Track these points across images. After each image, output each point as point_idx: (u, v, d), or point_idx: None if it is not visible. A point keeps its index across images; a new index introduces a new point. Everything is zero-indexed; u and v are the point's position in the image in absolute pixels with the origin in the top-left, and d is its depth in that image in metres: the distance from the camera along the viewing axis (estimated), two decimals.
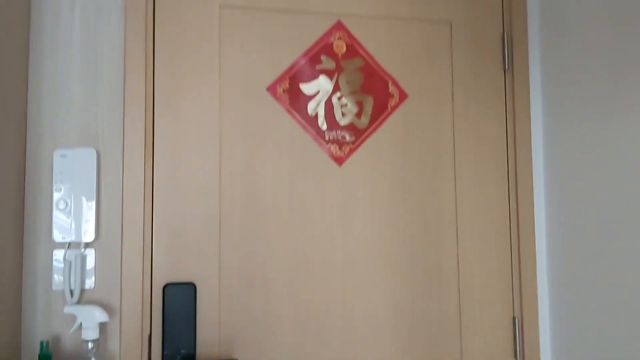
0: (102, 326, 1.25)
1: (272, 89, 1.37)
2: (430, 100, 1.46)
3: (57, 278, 1.24)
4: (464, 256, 1.45)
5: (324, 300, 1.36)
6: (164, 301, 1.24)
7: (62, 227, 1.23)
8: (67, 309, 1.19)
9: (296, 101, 1.38)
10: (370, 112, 1.43)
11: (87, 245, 1.26)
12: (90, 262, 1.26)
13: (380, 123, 1.43)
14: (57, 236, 1.23)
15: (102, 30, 1.31)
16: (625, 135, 1.22)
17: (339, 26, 1.42)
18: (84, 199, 1.25)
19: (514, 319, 1.47)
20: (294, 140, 1.38)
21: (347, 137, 1.41)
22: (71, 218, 1.24)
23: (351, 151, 1.41)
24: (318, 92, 1.40)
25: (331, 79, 1.41)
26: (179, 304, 1.25)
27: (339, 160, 1.40)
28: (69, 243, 1.25)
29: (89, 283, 1.25)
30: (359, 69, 1.43)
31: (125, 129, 1.27)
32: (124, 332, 1.23)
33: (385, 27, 1.45)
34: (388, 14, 1.45)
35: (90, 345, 1.19)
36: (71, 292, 1.23)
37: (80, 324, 1.18)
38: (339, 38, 1.42)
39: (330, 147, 1.40)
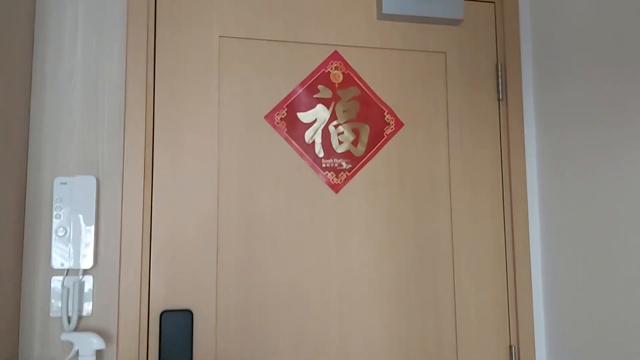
0: (99, 353, 1.25)
1: (270, 117, 1.40)
2: (426, 129, 1.49)
3: (55, 305, 1.24)
4: (460, 283, 1.46)
5: (320, 326, 1.37)
6: (161, 328, 1.25)
7: (61, 253, 1.24)
8: (64, 336, 1.19)
9: (294, 129, 1.41)
10: (366, 140, 1.45)
11: (85, 272, 1.27)
12: (88, 289, 1.27)
13: (377, 151, 1.45)
14: (56, 263, 1.24)
15: (103, 61, 1.34)
16: (621, 166, 1.24)
17: (335, 56, 1.45)
18: (83, 226, 1.26)
19: (510, 347, 1.47)
20: (291, 168, 1.40)
21: (344, 165, 1.43)
22: (70, 245, 1.25)
23: (348, 178, 1.43)
24: (315, 121, 1.42)
25: (328, 107, 1.43)
26: (175, 331, 1.25)
27: (336, 188, 1.42)
28: (68, 270, 1.26)
29: (87, 310, 1.26)
30: (355, 98, 1.45)
31: (125, 157, 1.29)
32: (121, 359, 1.23)
33: (381, 57, 1.48)
34: (383, 45, 1.48)
35: None
36: (69, 318, 1.24)
37: (77, 351, 1.19)
38: (336, 68, 1.45)
39: (327, 175, 1.42)
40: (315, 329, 1.36)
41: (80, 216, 1.26)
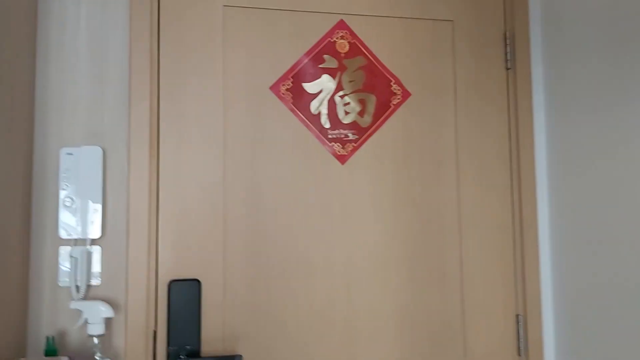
0: (108, 322, 1.26)
1: (275, 88, 1.39)
2: (433, 99, 1.47)
3: (63, 274, 1.25)
4: (467, 254, 1.45)
5: (326, 299, 1.37)
6: (169, 297, 1.25)
7: (68, 224, 1.25)
8: (73, 305, 1.20)
9: (299, 100, 1.40)
10: (373, 111, 1.44)
11: (93, 242, 1.28)
12: (96, 259, 1.27)
13: (383, 121, 1.44)
14: (63, 233, 1.25)
15: (107, 30, 1.33)
16: (629, 131, 1.23)
17: (341, 25, 1.44)
18: (90, 196, 1.26)
19: (517, 316, 1.47)
20: (297, 139, 1.39)
21: (350, 136, 1.42)
22: (77, 215, 1.25)
23: (354, 149, 1.42)
24: (321, 91, 1.41)
25: (334, 77, 1.42)
26: (183, 300, 1.26)
27: (342, 159, 1.41)
28: (75, 240, 1.26)
29: (95, 279, 1.27)
30: (361, 68, 1.44)
31: (131, 128, 1.29)
32: (130, 328, 1.24)
33: (388, 26, 1.46)
34: (390, 13, 1.46)
35: (95, 340, 1.20)
36: (77, 288, 1.24)
37: (86, 319, 1.19)
38: (342, 37, 1.43)
39: (333, 146, 1.41)
40: (321, 300, 1.37)
41: (87, 186, 1.26)
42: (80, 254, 1.25)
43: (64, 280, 1.25)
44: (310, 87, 1.41)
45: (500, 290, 1.47)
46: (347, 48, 1.43)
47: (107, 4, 1.33)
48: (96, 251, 1.27)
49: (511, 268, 1.48)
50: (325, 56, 1.42)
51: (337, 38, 1.43)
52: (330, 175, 1.40)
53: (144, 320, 1.25)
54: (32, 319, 1.24)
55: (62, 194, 1.26)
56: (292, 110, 1.39)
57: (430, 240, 1.44)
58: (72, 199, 1.25)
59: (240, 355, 1.26)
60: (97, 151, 1.28)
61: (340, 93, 1.42)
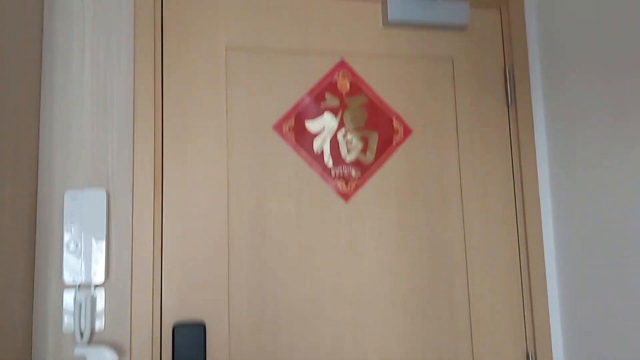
0: None
1: (278, 127, 1.40)
2: (435, 135, 1.48)
3: (67, 319, 1.24)
4: (475, 291, 1.44)
5: (334, 338, 1.35)
6: (174, 341, 1.24)
7: (72, 268, 1.24)
8: (77, 350, 1.19)
9: (302, 138, 1.40)
10: (375, 148, 1.44)
11: (97, 286, 1.27)
12: (100, 303, 1.26)
13: (386, 158, 1.44)
14: (68, 277, 1.24)
15: (111, 74, 1.34)
16: (632, 167, 1.23)
17: (342, 65, 1.45)
18: (94, 239, 1.26)
19: (527, 354, 1.45)
20: (300, 177, 1.39)
21: (353, 173, 1.42)
22: (81, 259, 1.25)
23: (357, 187, 1.42)
24: (323, 129, 1.42)
25: (336, 116, 1.43)
26: (188, 344, 1.24)
27: (346, 196, 1.41)
28: (79, 284, 1.26)
29: (99, 324, 1.25)
30: (362, 106, 1.45)
31: (134, 171, 1.30)
32: None
33: (388, 64, 1.48)
34: (390, 52, 1.48)
35: None
36: (81, 333, 1.23)
37: None
38: (343, 76, 1.45)
39: (336, 183, 1.41)
40: (329, 341, 1.35)
41: (91, 230, 1.26)
42: (84, 299, 1.24)
43: (68, 325, 1.24)
44: (312, 125, 1.42)
45: (509, 327, 1.45)
46: (348, 87, 1.45)
47: (111, 48, 1.35)
48: (100, 295, 1.26)
49: (519, 305, 1.46)
50: (327, 95, 1.43)
51: (338, 77, 1.45)
52: (335, 213, 1.40)
53: None
54: None
55: (67, 237, 1.25)
56: (295, 148, 1.40)
57: (437, 277, 1.43)
58: (76, 242, 1.25)
59: None
60: (101, 194, 1.28)
61: (343, 131, 1.43)
